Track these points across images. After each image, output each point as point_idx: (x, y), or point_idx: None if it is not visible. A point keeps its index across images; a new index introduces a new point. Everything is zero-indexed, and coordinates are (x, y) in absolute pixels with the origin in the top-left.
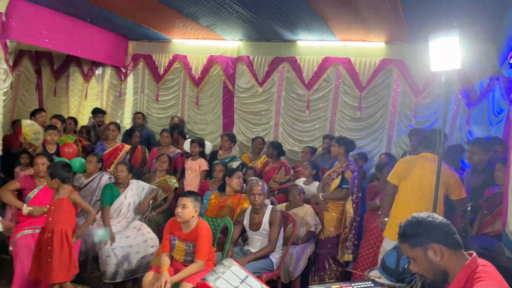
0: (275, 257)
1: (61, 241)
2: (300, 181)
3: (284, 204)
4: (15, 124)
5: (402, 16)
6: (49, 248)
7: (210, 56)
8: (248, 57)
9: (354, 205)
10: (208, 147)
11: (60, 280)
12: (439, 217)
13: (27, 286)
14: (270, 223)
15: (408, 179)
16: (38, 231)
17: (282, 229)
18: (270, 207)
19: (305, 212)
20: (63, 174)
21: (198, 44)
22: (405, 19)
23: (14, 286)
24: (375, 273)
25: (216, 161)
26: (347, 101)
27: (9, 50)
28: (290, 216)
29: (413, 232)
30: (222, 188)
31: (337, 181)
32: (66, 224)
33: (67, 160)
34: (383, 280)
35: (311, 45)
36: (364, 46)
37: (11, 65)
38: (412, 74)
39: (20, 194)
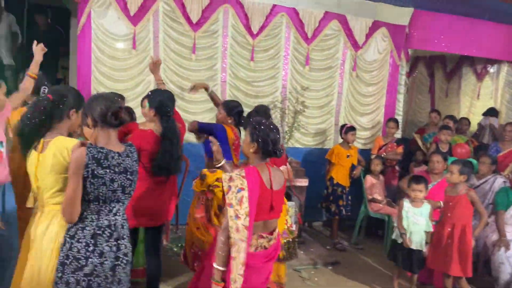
0: None
1: (460, 236)
2: None
3: None
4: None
5: None
6: (449, 241)
7: None
8: None
9: None
10: None
11: (456, 273)
12: None
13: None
14: None
15: None
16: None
17: None
18: None
19: None
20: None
21: None
22: None
23: None
24: None
25: None
26: None
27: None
28: None
29: None
30: None
31: None
32: (465, 219)
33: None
34: None
35: None
36: None
37: (408, 71)
38: None
39: None
